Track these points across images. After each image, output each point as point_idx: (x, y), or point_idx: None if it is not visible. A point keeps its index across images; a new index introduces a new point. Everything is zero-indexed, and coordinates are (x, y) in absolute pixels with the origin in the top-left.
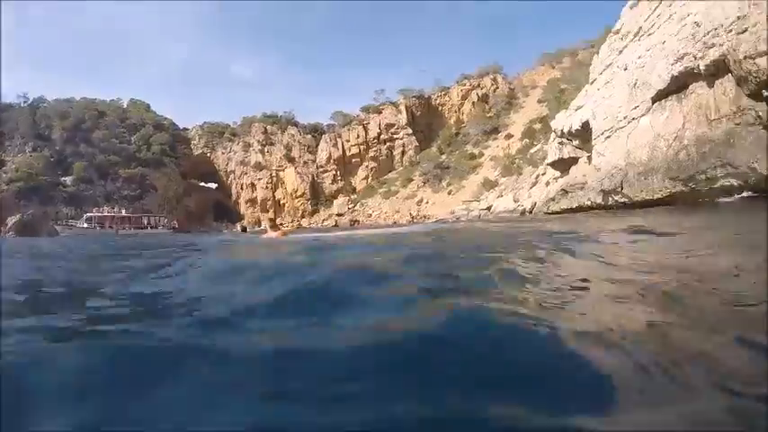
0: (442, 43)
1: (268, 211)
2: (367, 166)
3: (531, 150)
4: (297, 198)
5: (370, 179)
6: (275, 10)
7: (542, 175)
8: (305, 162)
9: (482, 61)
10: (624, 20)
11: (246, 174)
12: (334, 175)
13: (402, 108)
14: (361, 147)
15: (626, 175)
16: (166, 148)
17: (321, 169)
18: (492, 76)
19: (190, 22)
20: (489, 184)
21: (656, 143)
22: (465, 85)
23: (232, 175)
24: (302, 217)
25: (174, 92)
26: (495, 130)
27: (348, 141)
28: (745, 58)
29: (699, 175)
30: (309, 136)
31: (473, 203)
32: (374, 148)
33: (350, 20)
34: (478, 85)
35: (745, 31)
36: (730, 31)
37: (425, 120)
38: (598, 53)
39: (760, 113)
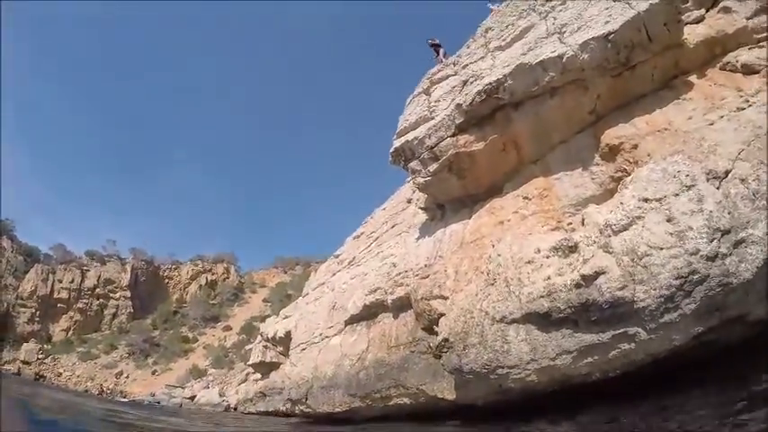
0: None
1: None
2: (72, 317)
3: (247, 347)
4: None
5: (71, 332)
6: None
7: (252, 373)
8: (5, 285)
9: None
10: (345, 248)
11: None
12: (32, 314)
13: (128, 268)
14: (73, 294)
15: (311, 387)
16: None
17: (21, 302)
18: (226, 265)
19: None
20: (198, 373)
21: (341, 361)
22: (198, 265)
23: None
24: None
25: None
26: (216, 319)
27: (61, 282)
28: (422, 298)
29: (375, 394)
30: (22, 258)
31: (177, 389)
32: (85, 300)
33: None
34: (210, 270)
35: (427, 277)
36: (417, 275)
37: (148, 288)
38: (315, 271)
39: (431, 344)
